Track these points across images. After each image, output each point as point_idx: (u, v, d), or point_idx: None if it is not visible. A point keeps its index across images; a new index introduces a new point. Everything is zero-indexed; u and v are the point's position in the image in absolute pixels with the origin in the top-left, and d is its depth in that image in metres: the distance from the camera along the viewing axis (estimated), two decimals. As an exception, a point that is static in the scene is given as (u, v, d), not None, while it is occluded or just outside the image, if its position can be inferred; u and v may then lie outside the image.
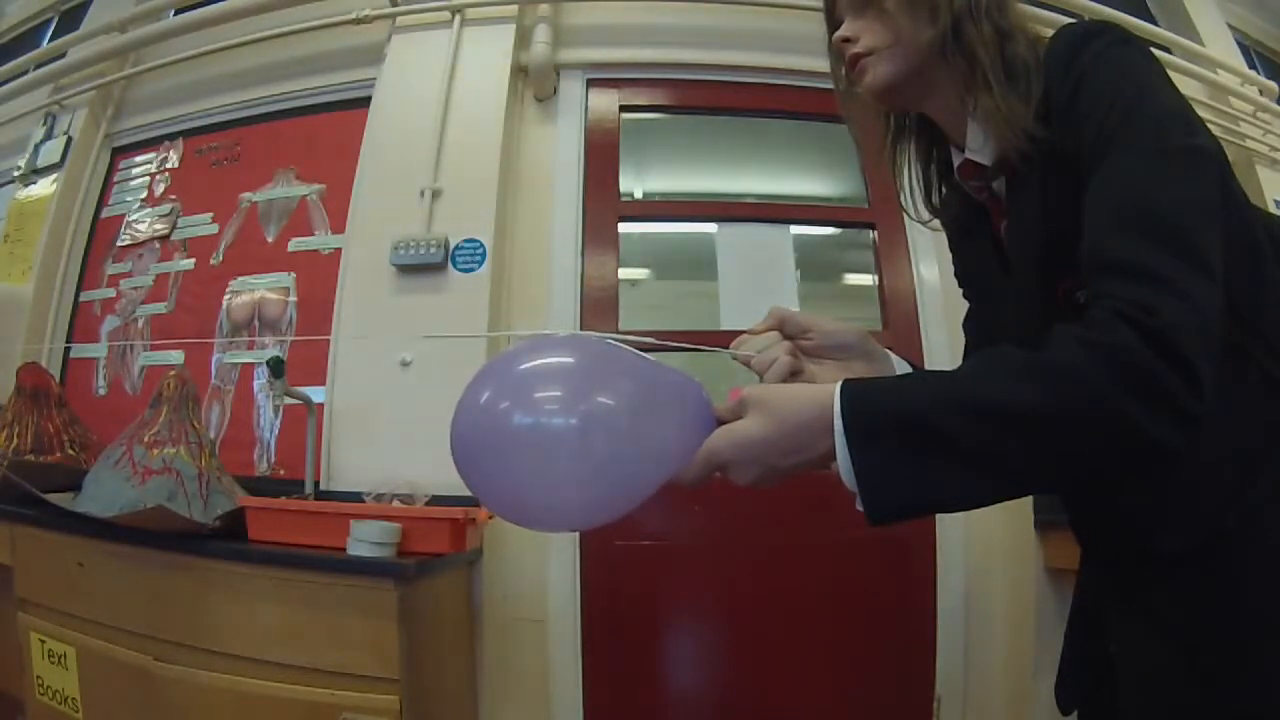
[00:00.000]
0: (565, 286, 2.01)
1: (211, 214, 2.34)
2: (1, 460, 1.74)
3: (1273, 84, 2.89)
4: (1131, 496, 0.68)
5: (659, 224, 2.43)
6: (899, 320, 2.08)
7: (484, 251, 1.91)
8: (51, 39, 3.09)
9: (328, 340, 1.98)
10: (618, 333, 2.01)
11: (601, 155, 2.17)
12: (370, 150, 2.11)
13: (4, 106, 2.76)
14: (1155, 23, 2.92)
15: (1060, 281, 0.70)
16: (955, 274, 0.91)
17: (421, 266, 1.91)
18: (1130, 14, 2.66)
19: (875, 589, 1.90)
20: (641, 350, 0.65)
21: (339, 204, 2.14)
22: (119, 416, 2.04)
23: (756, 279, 2.11)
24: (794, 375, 0.71)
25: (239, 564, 1.44)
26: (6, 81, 2.77)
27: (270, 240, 2.22)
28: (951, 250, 0.90)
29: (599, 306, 2.03)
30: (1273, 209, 2.63)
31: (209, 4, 2.35)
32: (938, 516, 1.88)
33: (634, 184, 2.55)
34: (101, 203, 2.59)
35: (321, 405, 1.89)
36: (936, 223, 0.89)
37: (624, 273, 2.13)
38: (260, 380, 2.11)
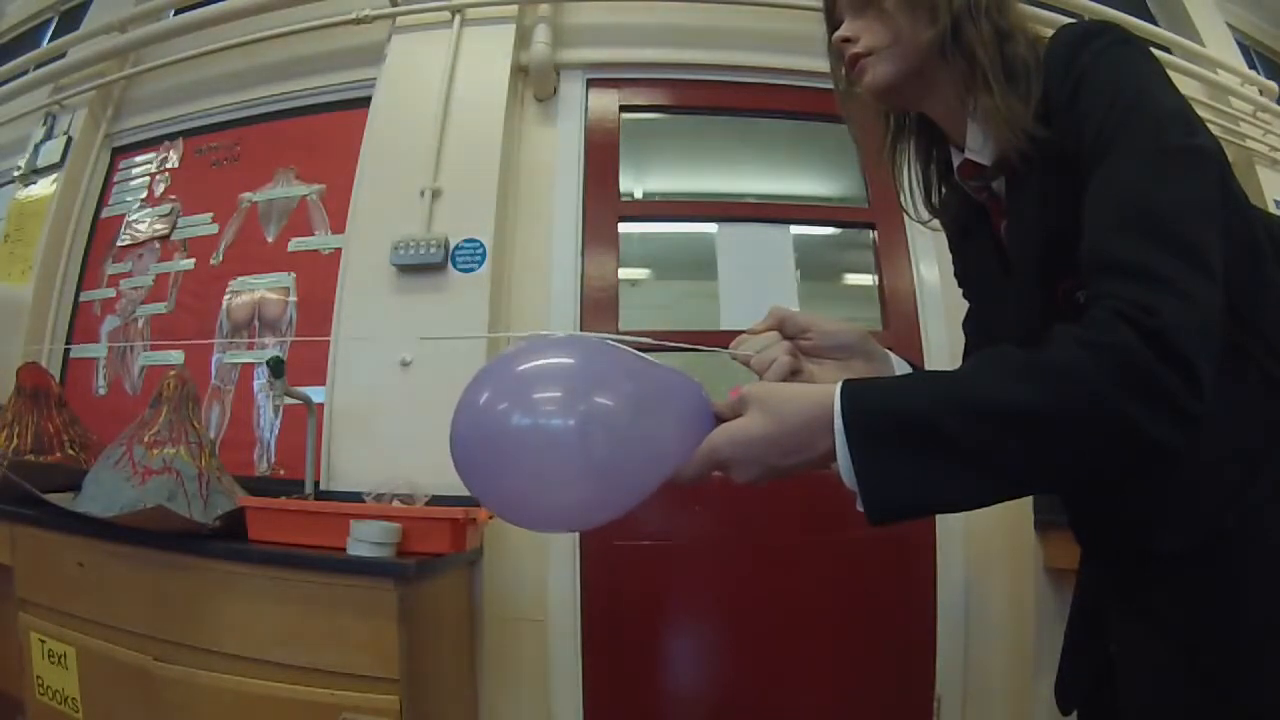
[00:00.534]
0: (565, 286, 2.02)
1: (211, 214, 2.34)
2: (1, 460, 1.75)
3: (1273, 84, 2.89)
4: (1131, 496, 0.68)
5: (659, 224, 2.44)
6: (899, 320, 2.08)
7: (484, 251, 1.91)
8: (51, 39, 3.09)
9: (328, 340, 1.98)
10: (618, 333, 2.01)
11: (601, 155, 2.17)
12: (370, 150, 2.11)
13: (4, 106, 2.76)
14: (1155, 23, 2.92)
15: (1060, 281, 0.70)
16: (955, 274, 0.91)
17: (421, 266, 1.91)
18: (1130, 14, 2.66)
19: (875, 589, 1.90)
20: (641, 350, 0.65)
21: (339, 204, 2.14)
22: (119, 416, 2.04)
23: (756, 279, 2.11)
24: (793, 375, 0.71)
25: (239, 564, 1.44)
26: (6, 81, 2.77)
27: (270, 240, 2.22)
28: (951, 250, 0.90)
29: (599, 306, 2.03)
30: (1273, 209, 2.63)
31: (209, 4, 2.35)
32: (938, 516, 1.88)
33: (634, 184, 2.55)
34: (101, 203, 2.59)
35: (321, 405, 1.89)
36: (936, 223, 0.89)
37: (624, 273, 2.13)
38: (260, 380, 2.11)
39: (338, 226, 2.14)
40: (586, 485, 0.59)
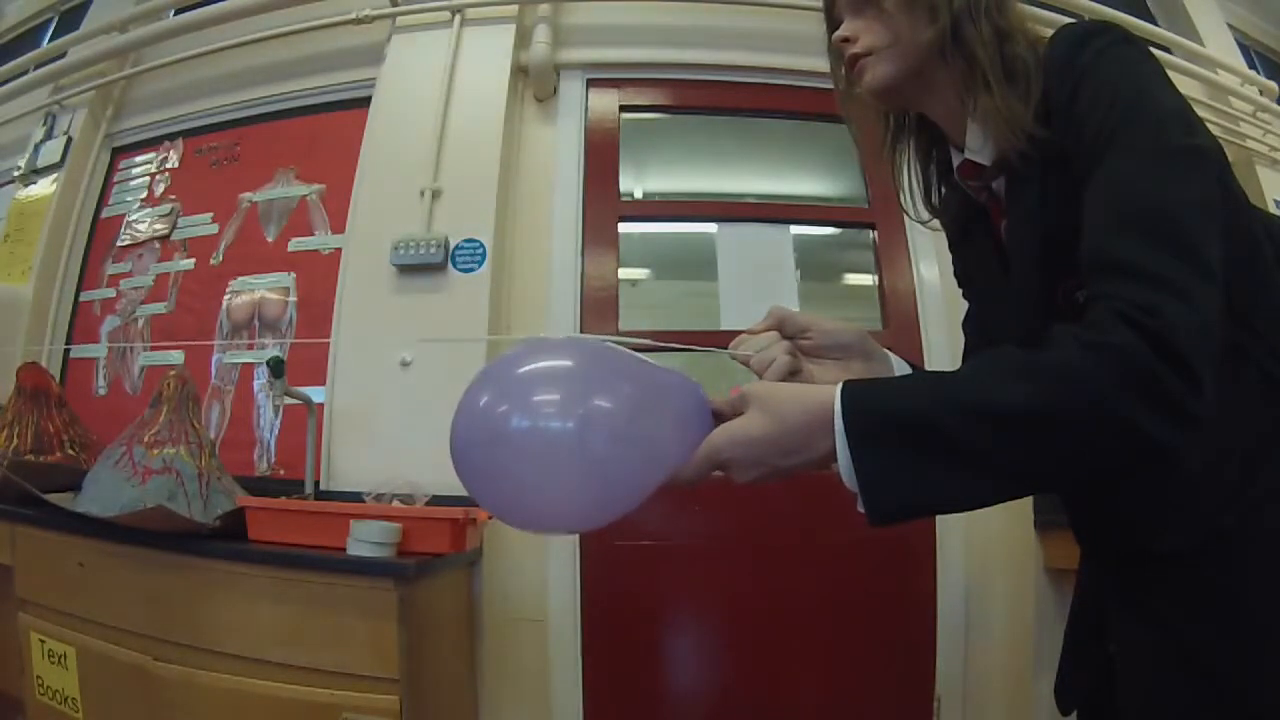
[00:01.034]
0: (565, 286, 2.01)
1: (211, 214, 2.34)
2: (1, 460, 1.75)
3: (1273, 84, 2.89)
4: (1131, 496, 0.69)
5: (659, 224, 2.43)
6: (899, 320, 2.08)
7: (484, 251, 1.91)
8: (51, 39, 3.10)
9: (328, 340, 1.98)
10: (617, 332, 2.01)
11: (601, 155, 2.17)
12: (370, 150, 2.11)
13: (4, 106, 2.77)
14: (1155, 23, 2.92)
15: (1060, 281, 0.70)
16: (955, 274, 0.91)
17: (421, 266, 1.91)
18: (1130, 14, 2.66)
19: (875, 589, 1.90)
20: (641, 351, 0.65)
21: (339, 204, 2.14)
22: (119, 416, 2.04)
23: (756, 279, 2.11)
24: (793, 375, 0.71)
25: (239, 564, 1.44)
26: (6, 81, 2.77)
27: (270, 240, 2.22)
28: (951, 250, 0.90)
29: (599, 306, 2.03)
30: (1273, 209, 2.63)
31: (209, 4, 2.35)
32: (938, 517, 1.88)
33: (634, 184, 2.55)
34: (101, 203, 2.59)
35: (321, 405, 1.89)
36: (936, 223, 0.89)
37: (624, 273, 2.13)
38: (260, 380, 2.11)
39: (338, 226, 2.14)
40: (586, 487, 0.59)
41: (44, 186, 2.55)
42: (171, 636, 1.47)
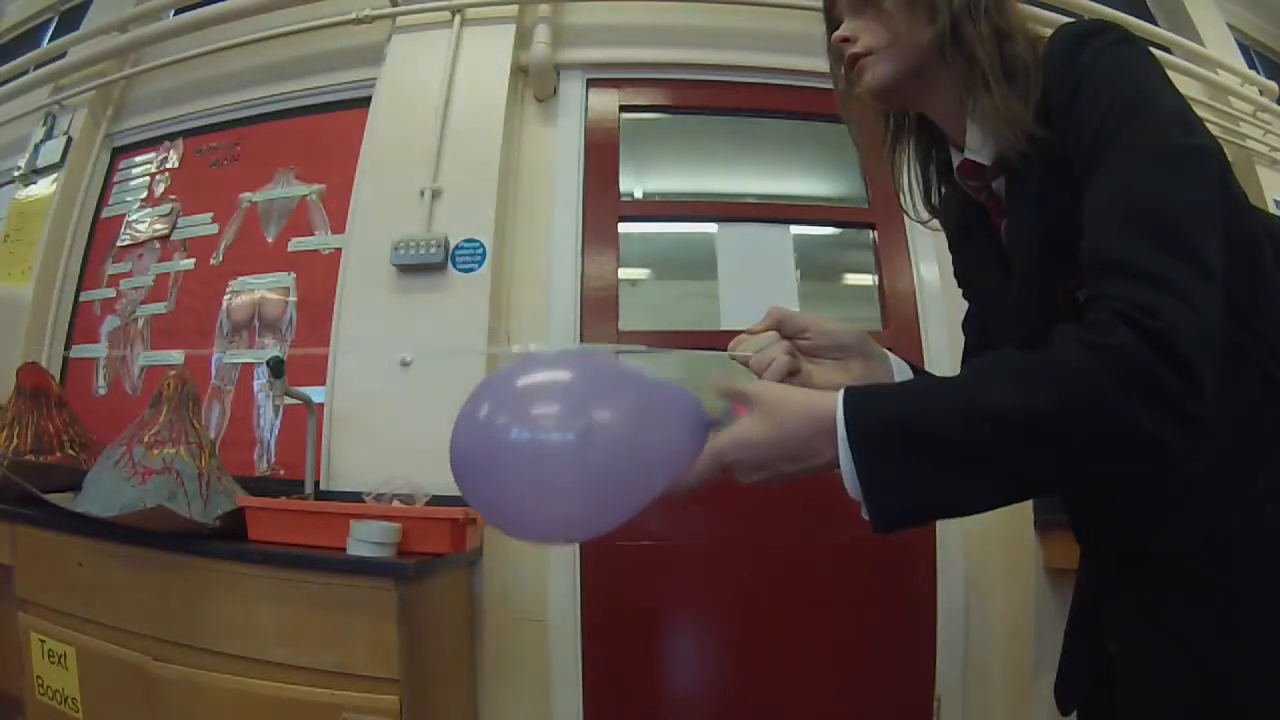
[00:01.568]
0: (565, 286, 2.01)
1: (211, 214, 2.34)
2: (1, 460, 1.75)
3: (1273, 84, 2.89)
4: (1131, 496, 0.69)
5: (659, 224, 2.43)
6: (899, 320, 2.08)
7: (484, 251, 1.91)
8: (51, 39, 3.09)
9: (328, 340, 1.98)
10: (617, 333, 2.01)
11: (601, 155, 2.17)
12: (370, 150, 2.11)
13: (4, 106, 2.77)
14: (1155, 23, 2.92)
15: (1060, 281, 0.70)
16: (955, 274, 0.91)
17: (421, 266, 1.91)
18: (1130, 14, 2.66)
19: (875, 589, 1.90)
20: (641, 353, 0.65)
21: (339, 204, 2.14)
22: (119, 416, 2.04)
23: (756, 279, 2.11)
24: (792, 375, 0.71)
25: (239, 564, 1.44)
26: (6, 81, 2.77)
27: (270, 240, 2.22)
28: (951, 250, 0.90)
29: (599, 306, 2.03)
30: (1273, 209, 2.63)
31: (209, 4, 2.35)
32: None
33: (634, 184, 2.54)
34: (101, 203, 2.59)
35: (321, 405, 1.89)
36: (936, 223, 0.89)
37: (624, 273, 2.13)
38: (260, 380, 2.11)
39: (338, 226, 2.14)
40: (583, 498, 0.59)
41: (44, 186, 2.55)
42: (171, 636, 1.47)
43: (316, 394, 1.87)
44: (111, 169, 2.62)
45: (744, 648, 1.88)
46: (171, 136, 2.52)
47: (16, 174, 2.62)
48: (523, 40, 2.16)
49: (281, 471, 2.01)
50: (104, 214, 2.57)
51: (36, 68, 2.72)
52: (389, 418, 1.84)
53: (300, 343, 2.09)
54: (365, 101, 2.18)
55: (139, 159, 2.57)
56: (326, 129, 2.27)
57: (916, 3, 0.72)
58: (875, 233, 2.19)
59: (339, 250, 2.09)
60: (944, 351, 1.98)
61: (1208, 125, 0.66)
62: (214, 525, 1.49)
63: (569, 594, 1.83)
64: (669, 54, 2.25)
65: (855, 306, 2.41)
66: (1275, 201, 2.69)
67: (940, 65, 0.73)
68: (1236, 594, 0.64)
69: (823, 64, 0.85)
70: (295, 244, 2.18)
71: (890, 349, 0.80)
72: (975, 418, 0.55)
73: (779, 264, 2.14)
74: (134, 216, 2.47)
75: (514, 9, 2.17)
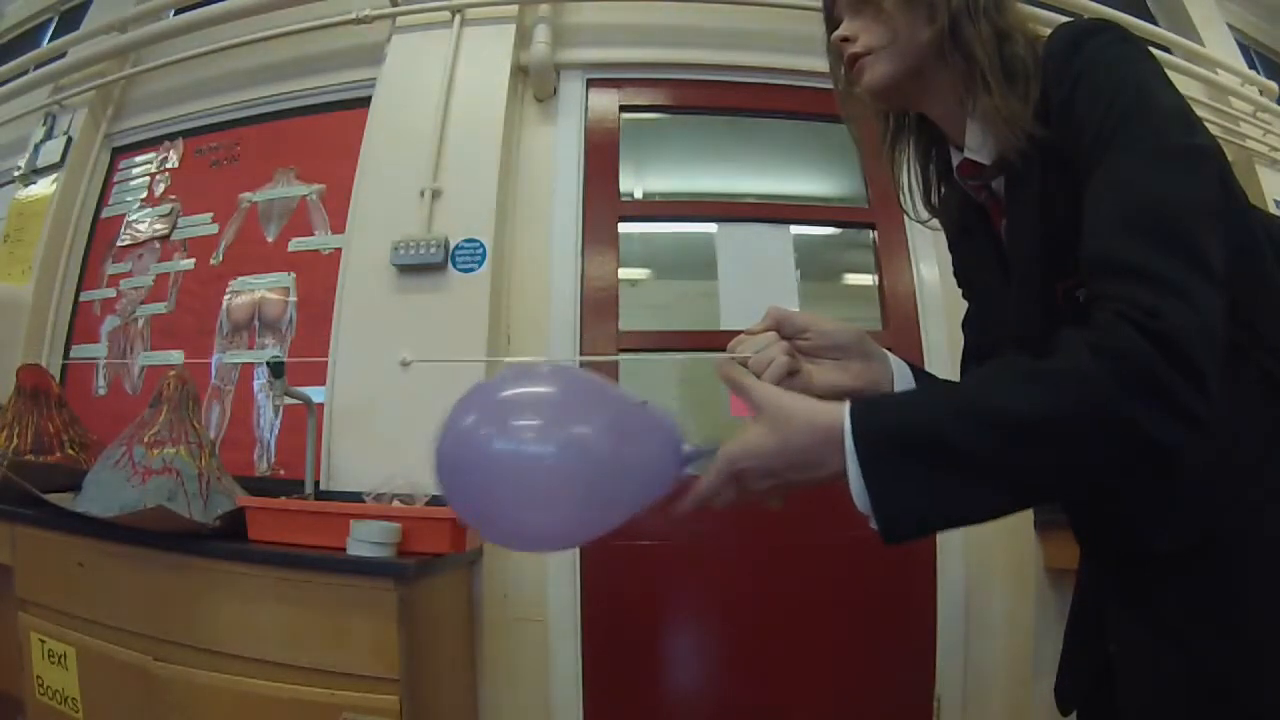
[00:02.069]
0: (565, 286, 2.01)
1: (211, 214, 2.34)
2: (1, 460, 1.75)
3: (1273, 84, 2.89)
4: (1131, 497, 0.68)
5: (659, 224, 2.43)
6: (899, 320, 2.08)
7: (484, 251, 1.91)
8: (51, 39, 3.10)
9: (328, 340, 1.98)
10: (617, 333, 2.01)
11: (601, 155, 2.17)
12: (370, 150, 2.11)
13: (4, 106, 2.77)
14: (1155, 23, 2.92)
15: (1060, 280, 0.70)
16: (954, 273, 0.91)
17: (421, 266, 1.91)
18: (1130, 14, 2.66)
19: (875, 589, 1.90)
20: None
21: (339, 204, 2.14)
22: (119, 416, 2.04)
23: (756, 279, 2.11)
24: (791, 375, 0.71)
25: (239, 564, 1.44)
26: (6, 81, 2.77)
27: (270, 240, 2.22)
28: (951, 250, 0.90)
29: (599, 306, 2.03)
30: (1273, 209, 2.63)
31: (209, 4, 2.35)
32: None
33: (634, 184, 2.54)
34: (101, 203, 2.59)
35: (321, 405, 1.89)
36: (936, 222, 0.89)
37: (624, 273, 2.13)
38: (260, 380, 2.11)
39: (338, 226, 2.14)
40: (556, 511, 0.61)
41: (44, 186, 2.55)
42: (171, 636, 1.47)
43: (316, 394, 1.87)
44: (111, 169, 2.62)
45: (744, 648, 1.88)
46: (171, 136, 2.52)
47: (16, 174, 2.63)
48: (523, 40, 2.15)
49: (281, 471, 2.01)
50: (104, 214, 2.57)
51: (36, 68, 2.72)
52: (389, 418, 1.83)
53: (300, 342, 2.08)
54: (365, 101, 2.18)
55: (139, 159, 2.57)
56: (326, 129, 2.27)
57: (916, 2, 0.72)
58: (875, 233, 2.19)
59: (339, 250, 2.09)
60: (944, 351, 1.98)
61: (1208, 125, 0.66)
62: (214, 525, 1.49)
63: (569, 594, 1.83)
64: (669, 54, 2.24)
65: (855, 306, 2.41)
66: (1275, 201, 2.69)
67: (939, 65, 0.73)
68: (1236, 594, 0.64)
69: (823, 64, 0.85)
70: (295, 244, 2.18)
71: (890, 349, 0.80)
72: (982, 426, 0.55)
73: (779, 264, 2.13)
74: (134, 216, 2.47)
75: (514, 9, 2.17)
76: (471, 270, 1.91)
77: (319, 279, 2.10)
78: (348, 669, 1.35)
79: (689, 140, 2.52)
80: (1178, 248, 0.57)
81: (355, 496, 1.70)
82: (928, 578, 1.91)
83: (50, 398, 1.92)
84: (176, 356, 2.23)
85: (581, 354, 1.97)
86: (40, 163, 2.57)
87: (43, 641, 1.61)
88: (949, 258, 0.91)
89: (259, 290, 2.18)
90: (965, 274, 0.90)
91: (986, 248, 0.81)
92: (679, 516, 0.64)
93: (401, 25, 2.20)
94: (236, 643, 1.42)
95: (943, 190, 0.86)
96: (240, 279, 2.22)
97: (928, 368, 0.83)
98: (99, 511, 1.50)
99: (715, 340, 1.76)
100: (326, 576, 1.38)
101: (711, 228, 2.21)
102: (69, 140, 2.55)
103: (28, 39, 3.31)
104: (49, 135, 2.61)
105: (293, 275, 2.16)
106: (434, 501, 1.65)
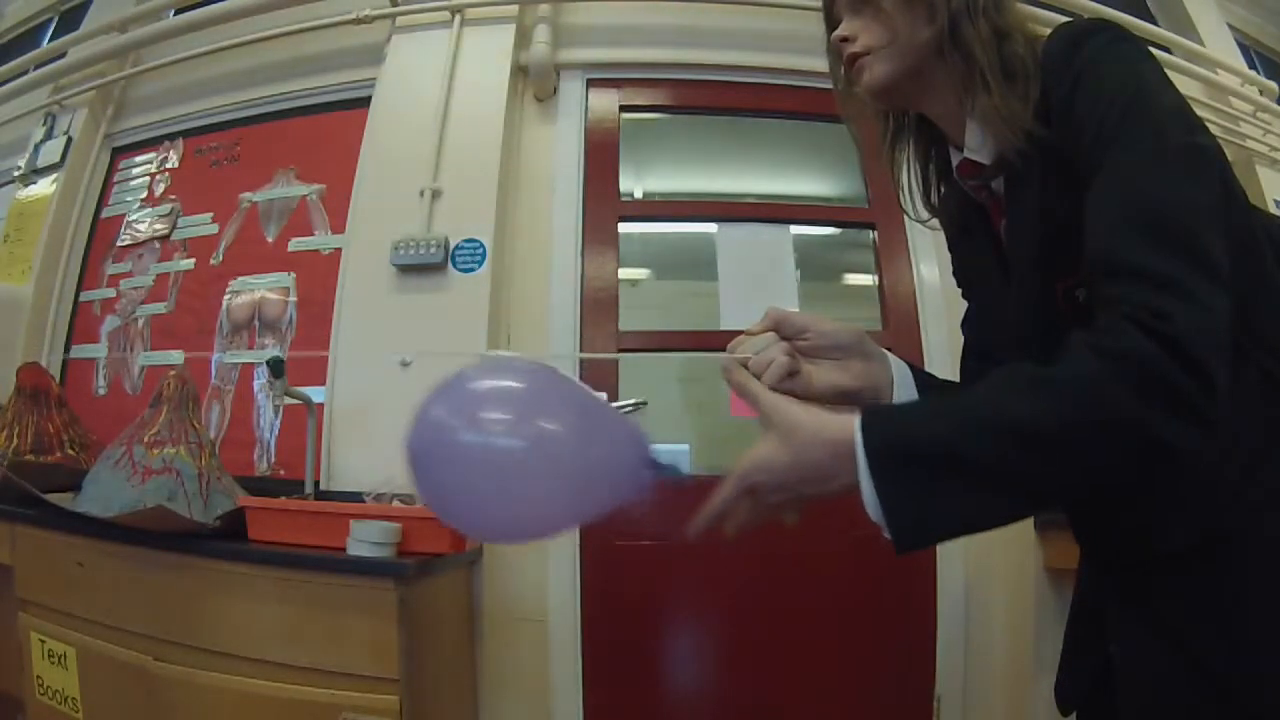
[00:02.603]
0: (565, 286, 2.01)
1: (211, 214, 2.34)
2: (1, 460, 1.75)
3: (1273, 84, 2.89)
4: (1131, 497, 0.68)
5: (659, 224, 2.43)
6: (899, 320, 2.08)
7: (484, 251, 1.91)
8: (51, 39, 3.10)
9: (328, 340, 1.98)
10: (617, 333, 2.01)
11: (601, 155, 2.17)
12: (370, 150, 2.11)
13: (4, 106, 2.76)
14: (1155, 23, 2.92)
15: (1059, 280, 0.70)
16: (954, 273, 0.91)
17: (421, 266, 1.91)
18: (1130, 14, 2.66)
19: (875, 589, 1.90)
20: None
21: (339, 204, 2.14)
22: (119, 416, 2.04)
23: (756, 279, 2.11)
24: (791, 375, 0.71)
25: (239, 564, 1.44)
26: (6, 81, 2.77)
27: (270, 240, 2.22)
28: (950, 249, 0.90)
29: (599, 306, 2.03)
30: (1273, 209, 2.62)
31: (209, 4, 2.35)
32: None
33: (634, 184, 2.54)
34: (101, 203, 2.59)
35: (321, 405, 1.89)
36: (936, 222, 0.89)
37: (624, 273, 2.13)
38: (260, 380, 2.11)
39: (338, 226, 2.14)
40: (524, 503, 0.62)
41: (44, 186, 2.55)
42: (171, 636, 1.47)
43: (316, 394, 1.87)
44: (111, 169, 2.62)
45: (744, 648, 1.88)
46: (171, 136, 2.52)
47: (16, 174, 2.62)
48: (523, 40, 2.16)
49: (281, 471, 2.01)
50: (104, 214, 2.57)
51: (36, 68, 2.72)
52: (389, 418, 1.83)
53: (300, 342, 2.09)
54: (365, 101, 2.18)
55: (139, 159, 2.57)
56: (326, 129, 2.27)
57: (915, 2, 0.72)
58: (875, 233, 2.19)
59: (339, 250, 2.09)
60: (944, 351, 1.98)
61: (1207, 125, 0.66)
62: (214, 525, 1.49)
63: (569, 594, 1.83)
64: (669, 54, 2.25)
65: (855, 306, 2.41)
66: (1275, 201, 2.69)
67: (939, 64, 0.73)
68: (1236, 594, 0.64)
69: (822, 64, 0.85)
70: (295, 244, 2.18)
71: (890, 349, 0.80)
72: (993, 435, 0.55)
73: (779, 264, 2.13)
74: (134, 216, 2.47)
75: (514, 9, 2.17)
76: (471, 270, 1.91)
77: (319, 279, 2.10)
78: (347, 669, 1.35)
79: (689, 140, 2.52)
80: (1183, 249, 0.57)
81: (355, 496, 1.70)
82: (928, 578, 1.91)
83: (50, 398, 1.92)
84: (176, 356, 2.23)
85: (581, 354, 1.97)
86: (40, 163, 2.57)
87: (43, 641, 1.61)
88: (949, 258, 0.91)
89: (259, 290, 2.18)
90: (965, 274, 0.90)
91: (986, 247, 0.81)
92: (694, 535, 0.64)
93: (401, 25, 2.21)
94: (236, 643, 1.42)
95: (942, 190, 0.86)
96: (240, 279, 2.22)
97: (928, 368, 0.83)
98: (99, 511, 1.50)
99: (715, 340, 1.76)
100: (326, 576, 1.38)
101: (711, 228, 2.21)
102: (69, 140, 2.55)
103: (28, 39, 3.31)
104: (49, 135, 2.61)
105: (293, 275, 2.16)
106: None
